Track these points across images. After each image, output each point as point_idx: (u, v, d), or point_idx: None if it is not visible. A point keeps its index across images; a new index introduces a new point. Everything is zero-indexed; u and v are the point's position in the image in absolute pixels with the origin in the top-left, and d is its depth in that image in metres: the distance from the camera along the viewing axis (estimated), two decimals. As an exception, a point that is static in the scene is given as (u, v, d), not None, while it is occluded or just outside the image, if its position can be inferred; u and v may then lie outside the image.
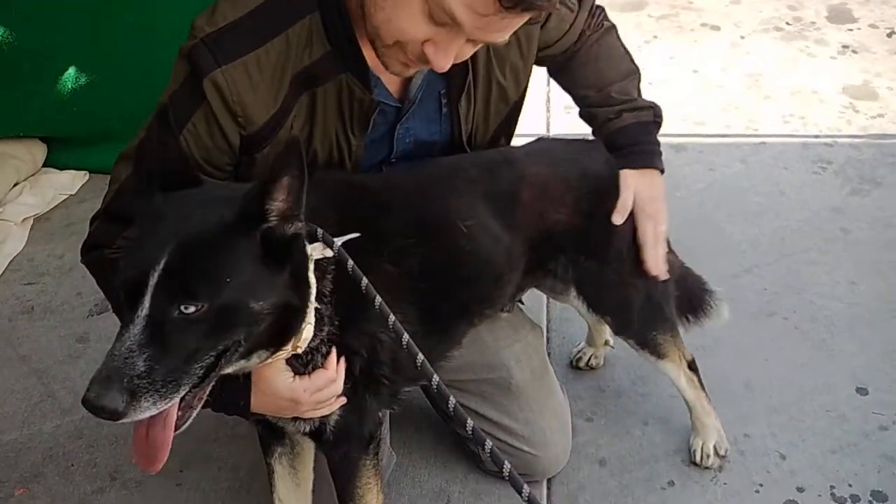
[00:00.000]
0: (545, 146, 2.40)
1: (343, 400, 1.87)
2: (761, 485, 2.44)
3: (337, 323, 1.79)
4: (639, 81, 2.33)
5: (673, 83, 4.39)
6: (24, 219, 3.61)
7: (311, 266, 1.67)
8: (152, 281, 1.42)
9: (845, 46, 4.77)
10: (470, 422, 1.56)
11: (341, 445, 1.97)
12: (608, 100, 2.28)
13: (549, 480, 2.48)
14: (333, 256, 1.68)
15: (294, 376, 1.78)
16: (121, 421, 1.41)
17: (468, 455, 2.51)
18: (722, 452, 2.50)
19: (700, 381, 2.49)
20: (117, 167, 1.95)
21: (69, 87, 3.66)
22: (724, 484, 2.46)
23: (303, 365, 1.79)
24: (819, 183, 3.71)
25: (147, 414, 1.42)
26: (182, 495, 2.49)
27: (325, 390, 1.80)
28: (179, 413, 1.53)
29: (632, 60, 2.34)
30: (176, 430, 1.54)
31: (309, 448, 2.12)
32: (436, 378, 1.58)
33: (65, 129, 3.83)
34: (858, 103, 4.25)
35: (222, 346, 1.50)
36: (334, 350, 1.80)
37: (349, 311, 1.80)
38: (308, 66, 1.87)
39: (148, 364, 1.41)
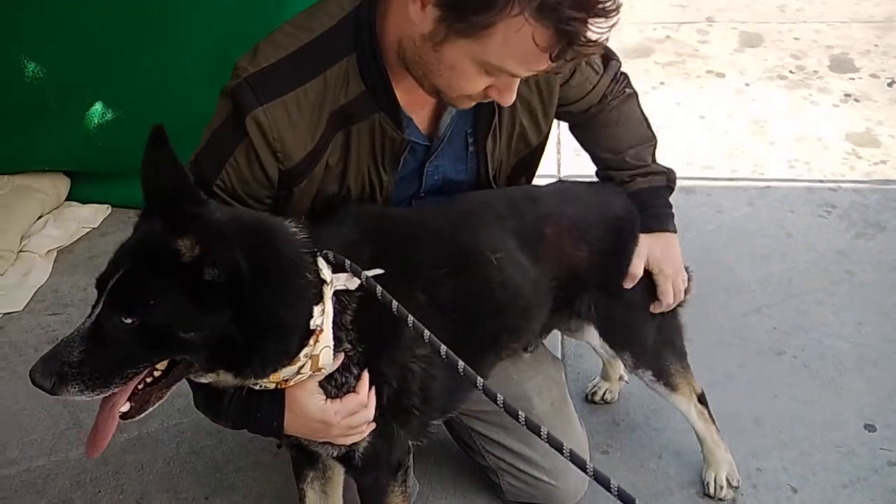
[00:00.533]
0: (565, 187, 2.50)
1: (372, 426, 1.93)
2: (775, 520, 2.51)
3: (361, 350, 1.87)
4: (654, 148, 2.42)
5: (680, 128, 4.50)
6: (48, 251, 3.70)
7: (330, 293, 1.75)
8: (108, 289, 1.58)
9: (847, 95, 4.90)
10: (522, 415, 1.66)
11: (370, 471, 2.03)
12: (623, 164, 2.37)
13: (566, 512, 2.54)
14: (360, 286, 1.76)
15: (326, 399, 1.85)
16: (54, 397, 1.59)
17: (488, 485, 2.56)
18: (734, 483, 2.56)
19: (710, 413, 2.57)
20: (214, 119, 2.00)
21: (94, 122, 3.77)
22: (738, 517, 2.53)
23: (336, 388, 1.86)
24: (824, 226, 3.80)
25: (75, 398, 1.58)
26: (208, 521, 2.55)
27: (356, 415, 1.87)
28: (134, 405, 1.67)
29: (649, 127, 2.43)
30: (127, 418, 1.68)
31: (339, 474, 2.19)
32: (480, 381, 1.64)
33: (89, 163, 3.93)
34: (861, 150, 4.36)
35: (158, 360, 1.64)
36: (366, 373, 1.87)
37: (378, 341, 1.88)
38: (344, 105, 1.96)
39: (81, 356, 1.57)
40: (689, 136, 4.47)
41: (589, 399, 2.91)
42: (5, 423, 2.90)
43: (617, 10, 1.70)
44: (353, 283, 1.79)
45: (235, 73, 1.94)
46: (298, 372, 1.78)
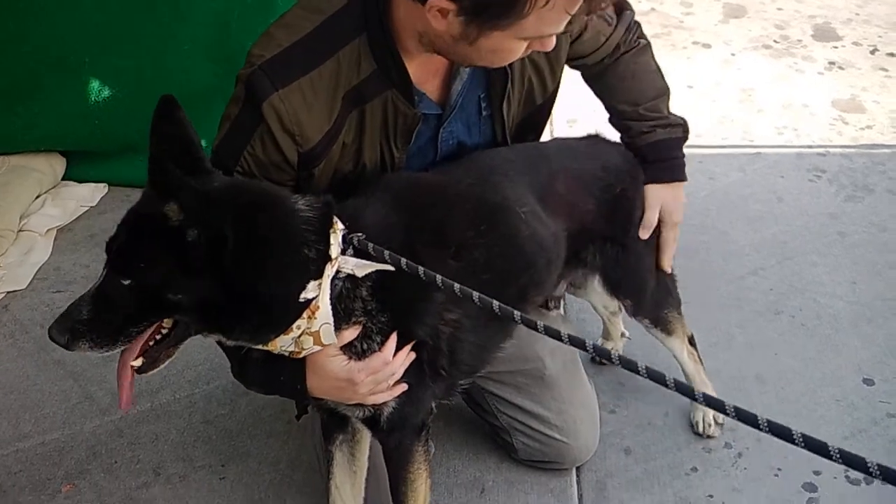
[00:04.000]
0: (567, 143, 2.53)
1: (403, 386, 1.98)
2: (780, 469, 2.57)
3: (384, 319, 1.90)
4: (668, 99, 2.48)
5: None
6: (48, 230, 3.69)
7: (331, 271, 1.78)
8: (112, 252, 1.70)
9: (831, 63, 4.97)
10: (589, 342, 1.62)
11: (396, 433, 2.08)
12: (642, 115, 2.42)
13: (577, 469, 2.60)
14: (382, 265, 1.81)
15: (349, 360, 1.89)
16: (70, 350, 1.72)
17: (500, 446, 2.62)
18: (720, 421, 2.67)
19: (698, 355, 2.69)
20: (230, 107, 2.02)
21: (91, 100, 3.75)
22: (745, 469, 2.59)
23: (357, 355, 1.90)
24: (815, 190, 3.88)
25: (87, 352, 1.71)
26: (226, 488, 2.58)
27: (381, 372, 1.91)
28: (146, 361, 1.78)
29: (663, 78, 2.48)
30: (141, 372, 1.79)
31: (367, 437, 2.23)
32: (517, 313, 1.66)
33: (85, 142, 3.91)
34: (847, 116, 4.44)
35: (156, 320, 1.73)
36: (394, 335, 1.91)
37: (405, 307, 1.92)
38: (357, 84, 1.98)
39: (89, 314, 1.69)
40: (679, 105, 4.41)
41: (594, 360, 2.96)
42: (17, 398, 2.92)
43: None
44: (362, 271, 1.82)
45: (249, 60, 1.96)
46: (295, 343, 1.82)
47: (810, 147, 4.20)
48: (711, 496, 2.52)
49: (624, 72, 2.40)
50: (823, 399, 2.82)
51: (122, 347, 1.73)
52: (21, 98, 3.80)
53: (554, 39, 1.90)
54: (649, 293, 2.50)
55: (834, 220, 3.67)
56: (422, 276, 1.77)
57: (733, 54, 5.10)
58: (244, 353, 1.92)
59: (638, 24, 2.41)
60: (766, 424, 1.42)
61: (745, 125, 4.41)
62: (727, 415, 1.46)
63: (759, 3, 5.73)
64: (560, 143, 2.53)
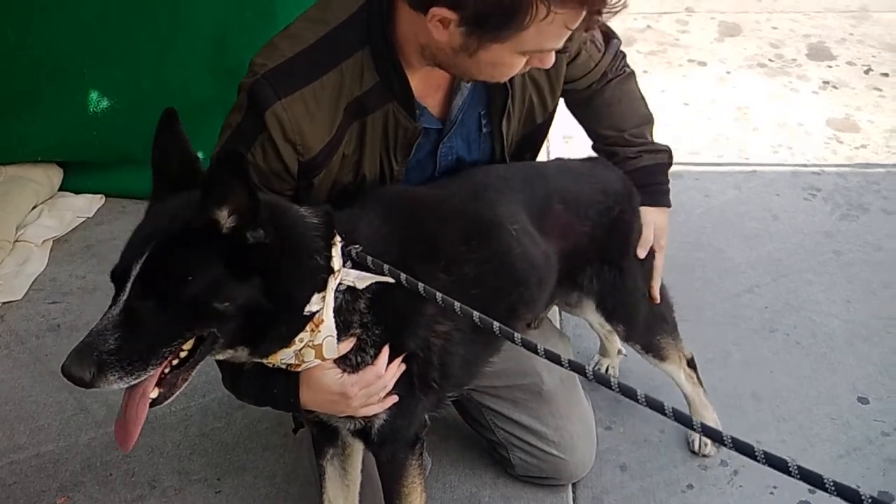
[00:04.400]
0: (566, 164, 2.54)
1: (394, 398, 1.97)
2: (775, 487, 2.58)
3: (378, 332, 1.91)
4: (652, 127, 2.50)
5: (666, 115, 4.55)
6: (44, 240, 3.70)
7: (335, 283, 1.79)
8: (134, 272, 1.59)
9: (826, 82, 5.00)
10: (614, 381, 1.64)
11: (388, 445, 2.08)
12: (627, 140, 2.44)
13: (573, 485, 2.60)
14: (382, 277, 1.81)
15: (343, 373, 1.90)
16: (90, 389, 1.57)
17: (497, 461, 2.62)
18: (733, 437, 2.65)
19: (698, 376, 2.69)
20: (232, 115, 2.03)
21: (88, 111, 3.76)
22: (740, 487, 2.60)
23: (351, 367, 1.90)
24: (810, 209, 3.90)
25: (113, 386, 1.58)
26: (222, 501, 2.58)
27: (373, 385, 1.91)
28: (163, 390, 1.69)
29: (647, 107, 2.50)
30: (156, 404, 1.69)
31: (358, 451, 2.23)
32: (518, 336, 1.68)
33: (82, 153, 3.92)
34: (842, 135, 4.47)
35: (191, 336, 1.65)
36: (386, 348, 1.91)
37: (398, 320, 1.93)
38: (359, 96, 1.99)
39: (118, 343, 1.56)
40: (675, 122, 4.55)
41: (591, 377, 2.96)
42: (12, 409, 2.91)
43: None
44: (363, 283, 1.83)
45: (252, 69, 1.97)
46: (296, 356, 1.81)
47: (805, 165, 4.22)
48: (707, 513, 2.53)
49: (610, 97, 2.43)
50: (818, 417, 2.83)
51: (151, 373, 1.63)
52: (19, 108, 3.81)
53: (553, 56, 1.91)
54: (641, 319, 2.51)
55: (829, 239, 3.69)
56: (421, 291, 1.78)
57: (728, 72, 5.14)
58: (238, 365, 1.92)
59: (623, 54, 2.44)
60: (762, 456, 1.43)
61: (741, 143, 4.43)
62: (725, 445, 1.48)
63: (755, 21, 5.78)
64: (560, 164, 2.53)
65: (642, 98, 2.50)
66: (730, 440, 1.48)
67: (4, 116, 3.79)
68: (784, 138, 4.46)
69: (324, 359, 1.83)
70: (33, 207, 3.83)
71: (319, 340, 1.80)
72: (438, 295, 1.76)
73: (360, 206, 2.01)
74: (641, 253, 2.41)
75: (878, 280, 3.44)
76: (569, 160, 2.57)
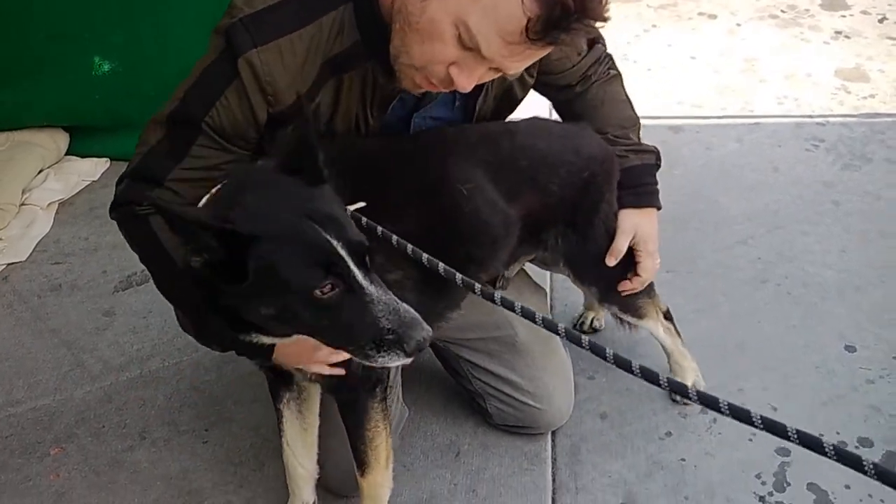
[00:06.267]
0: (541, 123, 2.52)
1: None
2: (754, 434, 2.57)
3: None
4: (639, 129, 2.47)
5: (671, 69, 4.53)
6: (50, 203, 3.78)
7: None
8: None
9: (838, 32, 4.92)
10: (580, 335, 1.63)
11: (345, 390, 2.11)
12: (612, 140, 2.41)
13: (553, 433, 2.62)
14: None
15: None
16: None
17: (477, 411, 2.65)
18: (700, 388, 2.65)
19: (675, 328, 2.68)
20: (147, 131, 2.04)
21: (92, 76, 3.82)
22: (719, 434, 2.60)
23: None
24: (812, 159, 3.85)
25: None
26: (208, 451, 2.64)
27: None
28: None
29: (633, 109, 2.47)
30: None
31: (315, 394, 2.26)
32: (478, 286, 1.72)
33: (87, 117, 3.99)
34: (850, 85, 4.40)
35: None
36: None
37: None
38: (338, 53, 1.99)
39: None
40: (680, 76, 4.50)
41: (578, 328, 2.98)
42: (11, 365, 2.99)
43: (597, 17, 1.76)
44: None
45: (230, 11, 1.96)
46: None
47: (810, 116, 4.17)
48: (684, 460, 2.53)
49: (594, 99, 2.41)
50: (804, 366, 2.82)
51: None
52: (24, 74, 3.88)
53: (474, 80, 1.87)
54: (614, 283, 2.48)
55: (829, 189, 3.65)
56: (379, 234, 1.81)
57: (739, 24, 5.07)
58: (209, 309, 1.93)
59: (609, 57, 2.41)
60: (727, 408, 1.42)
61: (746, 95, 4.38)
62: (689, 399, 1.48)
63: (769, -27, 5.68)
64: (534, 122, 2.48)
65: (628, 100, 2.48)
66: (695, 393, 1.48)
67: (9, 83, 3.87)
68: (791, 89, 4.40)
69: None
70: (39, 171, 3.91)
71: None
72: (410, 247, 1.79)
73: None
74: (611, 261, 2.38)
75: (876, 229, 3.41)
76: (548, 119, 2.55)
